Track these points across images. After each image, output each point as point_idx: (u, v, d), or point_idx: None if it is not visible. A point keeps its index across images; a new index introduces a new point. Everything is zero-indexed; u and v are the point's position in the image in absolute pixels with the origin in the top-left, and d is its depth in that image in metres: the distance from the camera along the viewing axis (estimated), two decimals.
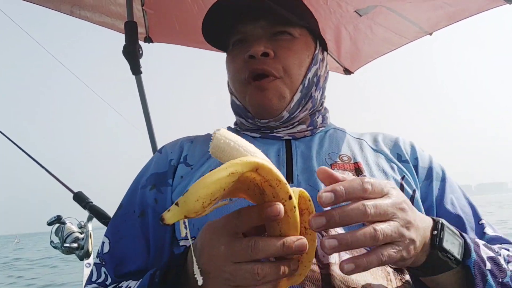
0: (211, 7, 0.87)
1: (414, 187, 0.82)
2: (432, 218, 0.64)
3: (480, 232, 0.81)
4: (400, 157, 0.88)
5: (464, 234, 0.66)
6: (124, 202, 0.88)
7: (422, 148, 0.92)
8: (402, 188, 0.81)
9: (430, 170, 0.87)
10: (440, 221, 0.63)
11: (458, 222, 0.81)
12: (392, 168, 0.84)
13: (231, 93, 0.94)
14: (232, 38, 0.91)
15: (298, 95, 0.86)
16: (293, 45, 0.86)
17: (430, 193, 0.84)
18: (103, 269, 0.80)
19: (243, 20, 0.87)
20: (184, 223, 0.48)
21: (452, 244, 0.62)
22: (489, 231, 0.81)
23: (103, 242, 0.84)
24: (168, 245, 0.81)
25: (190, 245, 0.55)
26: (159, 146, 1.90)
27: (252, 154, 0.51)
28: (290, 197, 0.50)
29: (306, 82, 0.87)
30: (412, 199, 0.80)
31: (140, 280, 0.69)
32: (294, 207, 0.50)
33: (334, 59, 1.92)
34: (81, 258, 1.89)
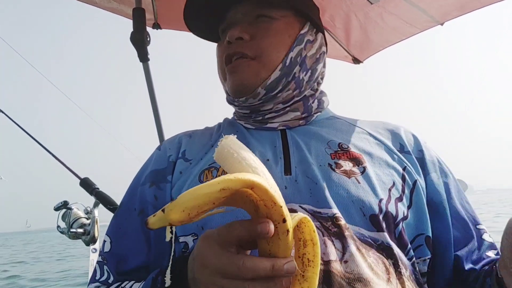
0: None
1: (416, 177, 0.81)
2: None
3: (479, 237, 0.82)
4: (402, 147, 0.86)
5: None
6: (125, 200, 0.89)
7: (424, 139, 0.91)
8: (403, 178, 0.80)
9: (438, 164, 0.87)
10: None
11: (464, 224, 0.82)
12: (393, 158, 0.83)
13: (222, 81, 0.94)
14: (220, 27, 0.92)
15: (277, 73, 0.85)
16: (271, 26, 0.86)
17: (441, 188, 0.84)
18: (105, 267, 0.81)
19: (226, 6, 0.89)
20: (171, 228, 0.48)
21: None
22: (487, 237, 0.83)
23: (105, 241, 0.84)
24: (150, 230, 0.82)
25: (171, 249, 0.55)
26: (165, 135, 1.92)
27: (253, 169, 0.50)
28: (284, 220, 0.49)
29: (288, 61, 0.85)
30: (412, 190, 0.79)
31: (142, 283, 0.69)
32: (287, 230, 0.50)
33: (343, 47, 1.89)
34: (87, 244, 1.91)
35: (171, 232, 0.48)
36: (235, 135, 0.54)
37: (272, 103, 0.88)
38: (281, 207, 0.48)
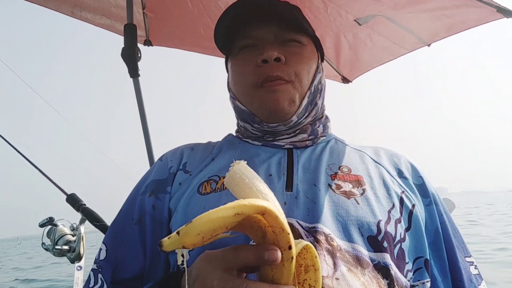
0: (225, 10, 0.89)
1: (414, 202, 0.81)
2: None
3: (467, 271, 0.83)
4: (401, 173, 0.87)
5: None
6: (124, 208, 0.89)
7: (422, 169, 0.92)
8: (402, 201, 0.80)
9: (434, 196, 0.86)
10: None
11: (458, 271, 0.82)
12: (392, 181, 0.84)
13: (234, 98, 0.93)
14: (239, 42, 0.90)
15: (306, 100, 0.87)
16: (302, 52, 0.88)
17: (441, 222, 0.84)
18: (99, 275, 0.81)
19: (255, 24, 0.88)
20: (182, 251, 0.48)
21: None
22: (472, 269, 0.84)
23: (100, 249, 0.84)
24: (164, 252, 0.81)
25: (185, 273, 0.54)
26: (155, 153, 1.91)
27: (264, 195, 0.51)
28: (290, 247, 0.50)
29: (313, 88, 0.88)
30: (410, 213, 0.79)
31: None
32: (292, 257, 0.50)
33: (333, 67, 1.92)
34: (72, 261, 1.86)
35: (182, 255, 0.48)
36: (245, 161, 0.55)
37: (292, 130, 0.89)
38: (289, 234, 0.49)
